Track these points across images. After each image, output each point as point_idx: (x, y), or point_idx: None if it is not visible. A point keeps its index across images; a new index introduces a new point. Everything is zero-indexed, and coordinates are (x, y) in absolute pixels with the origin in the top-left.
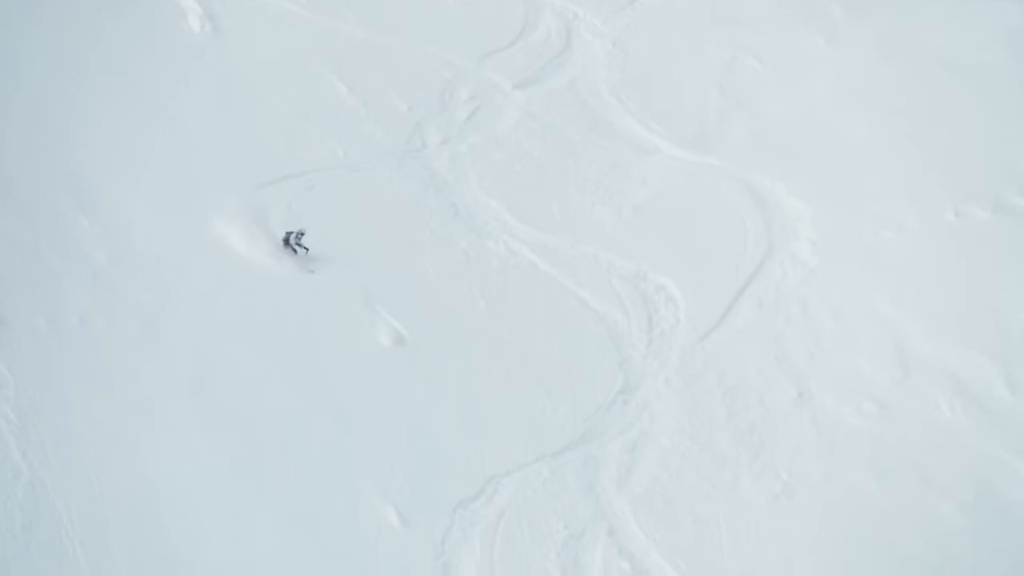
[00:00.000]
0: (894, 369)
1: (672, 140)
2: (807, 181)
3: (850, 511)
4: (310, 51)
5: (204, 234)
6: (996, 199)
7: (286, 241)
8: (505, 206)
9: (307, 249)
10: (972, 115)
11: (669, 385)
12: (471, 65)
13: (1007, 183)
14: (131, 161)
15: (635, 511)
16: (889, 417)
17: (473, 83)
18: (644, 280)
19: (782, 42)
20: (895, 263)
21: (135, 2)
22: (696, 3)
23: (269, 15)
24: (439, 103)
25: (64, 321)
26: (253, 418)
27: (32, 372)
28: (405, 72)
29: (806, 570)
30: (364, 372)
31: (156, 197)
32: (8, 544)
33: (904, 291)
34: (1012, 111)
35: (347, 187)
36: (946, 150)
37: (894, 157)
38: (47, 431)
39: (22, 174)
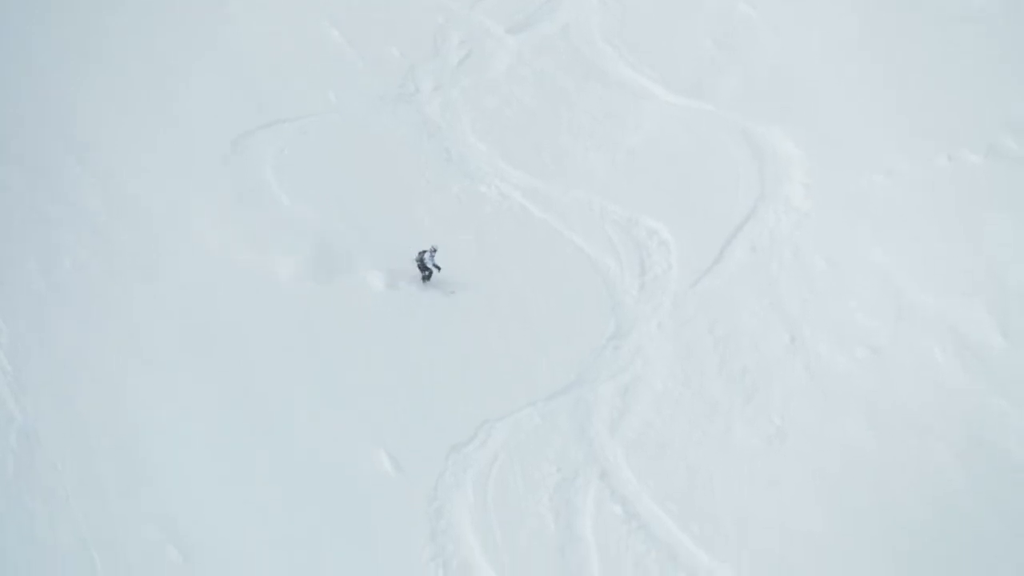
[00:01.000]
0: (887, 315)
1: (666, 86)
2: (801, 126)
3: (843, 456)
4: None
5: (200, 184)
6: (989, 143)
7: (421, 263)
8: (498, 151)
9: (439, 268)
10: (966, 61)
11: (662, 330)
12: (463, 10)
13: (1000, 128)
14: (128, 112)
15: (627, 455)
16: (882, 363)
17: (465, 28)
18: (637, 225)
19: None
20: (888, 208)
21: None
22: None
23: None
24: (431, 48)
25: (58, 268)
26: (245, 365)
27: (26, 318)
28: (398, 17)
29: (798, 514)
30: (357, 318)
31: (153, 147)
32: (1, 491)
33: (897, 236)
34: (1005, 57)
35: (340, 132)
36: (939, 95)
37: (888, 103)
38: (40, 376)
39: (18, 124)
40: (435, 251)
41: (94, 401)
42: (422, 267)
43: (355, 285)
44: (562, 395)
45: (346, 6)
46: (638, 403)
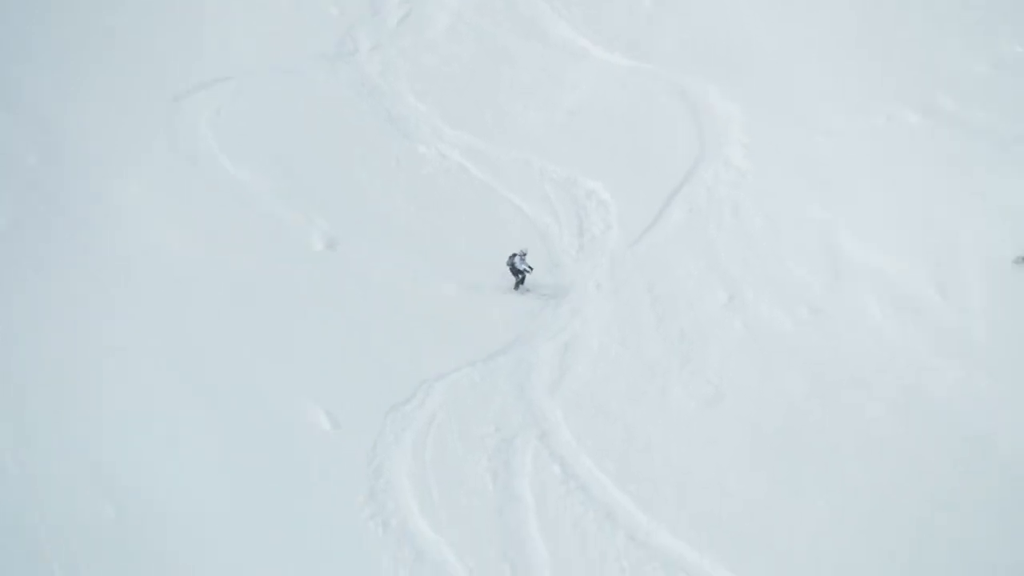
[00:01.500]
0: (826, 274)
1: (604, 45)
2: (739, 85)
3: (782, 415)
4: None
5: (137, 137)
6: (927, 104)
7: (512, 267)
8: (437, 112)
9: (531, 269)
10: (905, 21)
11: (600, 290)
12: None
13: (938, 88)
14: (63, 66)
15: (566, 416)
16: (821, 321)
17: None
18: (576, 185)
19: None
20: (827, 167)
21: None
22: None
23: None
24: (371, 7)
25: None
26: (184, 321)
27: None
28: None
29: (737, 473)
30: (297, 276)
31: (89, 100)
32: None
33: (836, 195)
34: (945, 17)
35: (279, 91)
36: (878, 56)
37: (826, 62)
38: None
39: None
40: (525, 254)
41: (28, 360)
42: (514, 271)
43: (296, 246)
44: (501, 355)
45: None
46: (577, 364)
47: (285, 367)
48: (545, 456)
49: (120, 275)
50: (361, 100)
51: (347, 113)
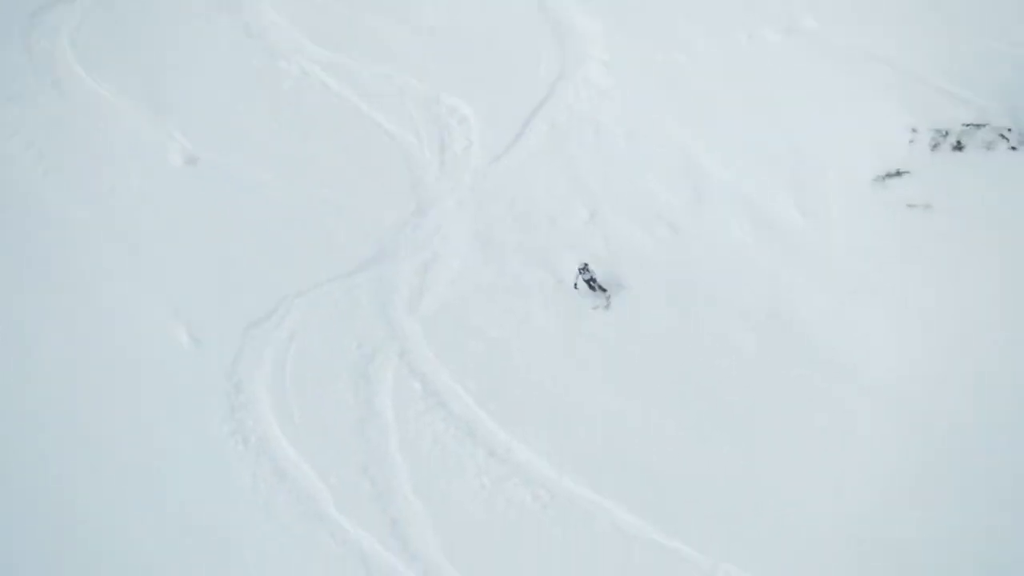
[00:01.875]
0: (687, 193)
1: None
2: (601, 1)
3: (642, 334)
4: None
5: None
6: (789, 22)
7: (587, 280)
8: (298, 26)
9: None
10: None
11: (462, 207)
12: None
13: (801, 5)
14: None
15: (427, 333)
16: (682, 240)
17: None
18: (437, 102)
19: None
20: (688, 86)
21: None
22: None
23: None
24: None
25: None
26: (35, 234)
27: None
28: None
29: (597, 393)
30: (154, 191)
31: None
32: None
33: (697, 114)
34: None
35: (138, 6)
36: None
37: None
38: None
39: None
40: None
41: None
42: (588, 283)
43: (155, 163)
44: (362, 272)
45: None
46: (437, 281)
47: (143, 285)
48: (405, 373)
49: None
50: (220, 15)
51: (206, 28)
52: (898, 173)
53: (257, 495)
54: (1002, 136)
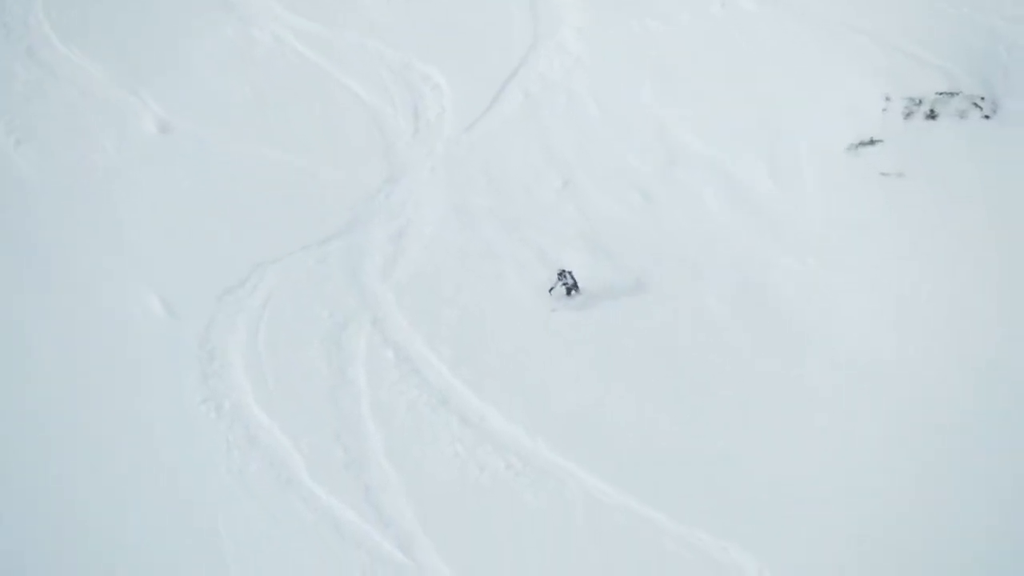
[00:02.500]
0: (660, 161)
1: None
2: None
3: (614, 302)
4: None
5: None
6: None
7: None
8: None
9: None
10: None
11: (434, 174)
12: None
13: None
14: None
15: (399, 300)
16: (655, 208)
17: None
18: (411, 70)
19: None
20: (661, 54)
21: None
22: None
23: None
24: None
25: None
26: (10, 203)
27: None
28: None
29: (569, 360)
30: (128, 160)
31: None
32: None
33: (671, 82)
34: None
35: None
36: None
37: None
38: None
39: None
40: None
41: None
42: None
43: (129, 129)
44: (335, 239)
45: None
46: (410, 248)
47: (118, 253)
48: (378, 341)
49: None
50: None
51: None
52: (871, 142)
53: (231, 462)
54: (975, 105)
